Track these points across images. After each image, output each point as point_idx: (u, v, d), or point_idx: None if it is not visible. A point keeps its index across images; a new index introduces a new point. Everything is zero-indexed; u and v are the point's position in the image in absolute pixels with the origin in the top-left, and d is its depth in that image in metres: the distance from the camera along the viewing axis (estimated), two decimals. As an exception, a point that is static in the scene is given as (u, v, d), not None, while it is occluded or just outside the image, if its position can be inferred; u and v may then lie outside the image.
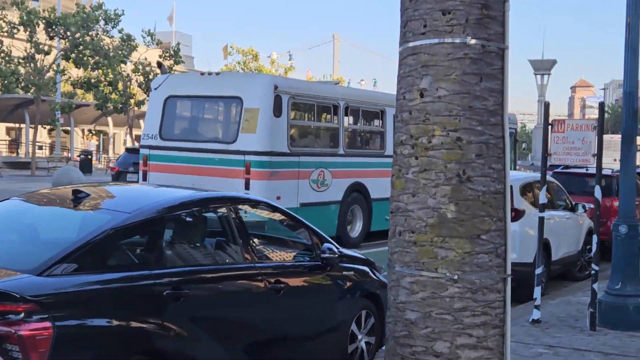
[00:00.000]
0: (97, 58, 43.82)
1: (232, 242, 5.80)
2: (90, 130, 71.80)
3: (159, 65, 17.87)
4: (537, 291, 8.86)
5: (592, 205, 16.05)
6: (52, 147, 59.42)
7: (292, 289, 6.09)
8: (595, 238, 8.69)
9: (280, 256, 6.59)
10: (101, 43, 44.54)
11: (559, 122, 8.81)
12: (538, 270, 8.98)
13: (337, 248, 6.66)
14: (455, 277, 4.76)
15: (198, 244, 5.73)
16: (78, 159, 48.42)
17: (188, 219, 5.74)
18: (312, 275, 6.42)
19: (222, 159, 13.29)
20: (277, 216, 6.61)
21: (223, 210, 5.87)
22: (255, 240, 6.23)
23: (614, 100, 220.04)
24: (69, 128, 58.78)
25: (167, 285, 5.04)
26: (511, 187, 11.33)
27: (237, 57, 64.33)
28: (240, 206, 6.11)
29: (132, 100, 49.75)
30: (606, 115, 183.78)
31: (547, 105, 8.86)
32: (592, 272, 8.69)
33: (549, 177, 13.18)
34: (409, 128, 4.97)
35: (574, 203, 13.03)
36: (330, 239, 6.77)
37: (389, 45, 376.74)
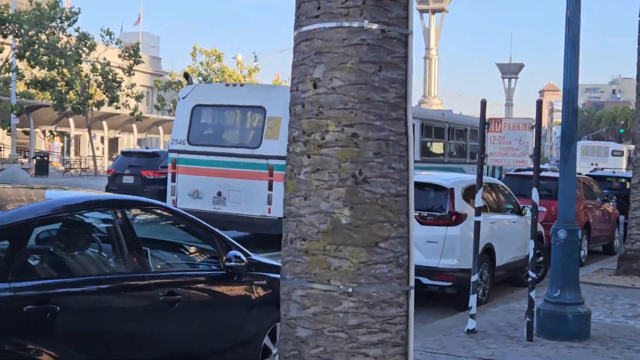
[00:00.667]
0: (52, 57, 42.80)
1: (118, 249, 5.24)
2: (51, 132, 70.50)
3: (186, 76, 18.89)
4: (473, 299, 8.40)
5: (543, 209, 15.77)
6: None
7: (190, 301, 5.55)
8: (532, 244, 8.26)
9: (179, 265, 6.05)
10: (57, 42, 43.55)
11: (496, 121, 8.36)
12: (474, 277, 8.53)
13: (248, 255, 6.13)
14: (350, 289, 4.25)
15: (75, 252, 5.17)
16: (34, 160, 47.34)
17: (62, 224, 5.17)
18: (215, 285, 5.88)
19: (247, 163, 14.36)
20: (178, 221, 6.05)
21: (108, 214, 5.31)
22: (148, 247, 5.67)
23: (581, 104, 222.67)
24: (28, 129, 57.54)
25: (29, 300, 4.47)
26: (453, 189, 10.98)
27: (201, 58, 63.52)
28: (130, 210, 5.55)
29: (90, 101, 48.75)
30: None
31: (483, 104, 8.40)
32: (529, 279, 8.25)
33: (495, 180, 12.79)
34: (301, 123, 4.45)
35: (521, 206, 12.62)
36: (240, 246, 6.24)
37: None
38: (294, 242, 4.44)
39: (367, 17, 4.31)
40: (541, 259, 13.20)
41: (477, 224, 8.55)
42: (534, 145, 8.11)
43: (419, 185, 10.88)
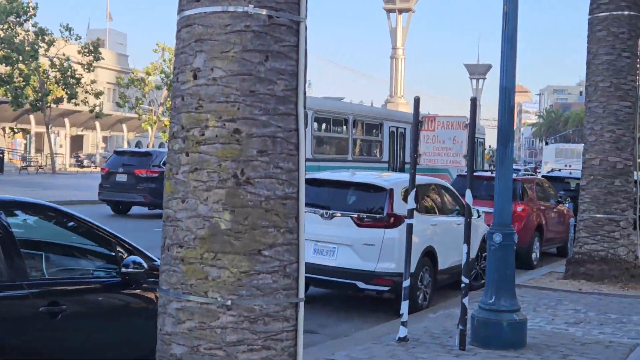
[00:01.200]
0: (8, 52, 41.84)
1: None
2: (11, 129, 69.14)
3: None
4: (404, 306, 8.03)
5: (491, 210, 15.49)
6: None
7: (77, 312, 5.10)
8: (465, 248, 7.91)
9: (68, 272, 5.58)
10: (15, 37, 42.60)
11: (429, 119, 8.00)
12: (405, 283, 8.16)
13: (153, 261, 5.68)
14: (229, 302, 3.85)
15: None
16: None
17: None
18: (108, 293, 5.43)
19: None
20: (72, 223, 5.59)
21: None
22: (30, 253, 5.21)
23: (548, 105, 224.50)
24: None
25: None
26: (392, 190, 10.64)
27: (167, 55, 62.52)
28: (9, 211, 5.08)
29: (48, 98, 47.81)
30: (540, 120, 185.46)
31: (417, 101, 8.04)
32: (462, 285, 7.90)
33: (440, 181, 12.46)
34: (180, 117, 4.04)
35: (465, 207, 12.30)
36: (144, 251, 5.79)
37: (329, 48, 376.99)
38: (170, 249, 4.03)
39: (253, 1, 3.91)
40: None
41: (410, 227, 8.19)
42: (467, 145, 7.76)
43: (356, 186, 10.53)
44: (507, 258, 7.96)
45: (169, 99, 32.26)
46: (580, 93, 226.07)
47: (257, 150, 3.91)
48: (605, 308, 10.22)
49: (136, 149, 27.88)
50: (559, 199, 17.58)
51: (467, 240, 7.86)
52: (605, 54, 12.11)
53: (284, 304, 3.96)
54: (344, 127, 20.25)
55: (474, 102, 7.70)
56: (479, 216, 12.33)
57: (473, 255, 12.49)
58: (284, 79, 3.99)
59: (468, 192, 7.82)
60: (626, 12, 11.99)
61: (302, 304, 4.05)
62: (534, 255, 15.69)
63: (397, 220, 9.89)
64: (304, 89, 4.12)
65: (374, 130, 22.06)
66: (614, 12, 12.01)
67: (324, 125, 18.60)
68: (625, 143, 12.16)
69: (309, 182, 10.76)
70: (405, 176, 11.45)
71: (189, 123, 3.97)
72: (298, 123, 4.06)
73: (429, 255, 10.53)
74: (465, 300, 7.79)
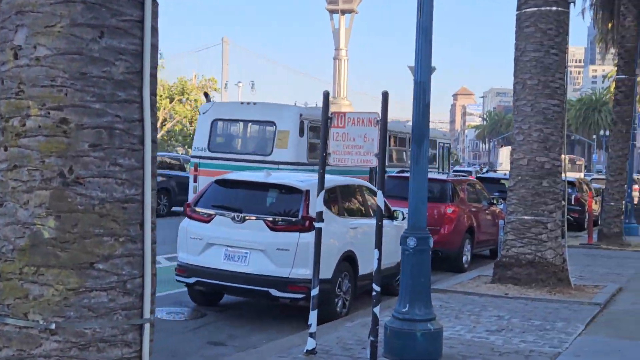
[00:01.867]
0: None
1: None
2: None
3: (206, 95, 22.34)
4: (313, 316, 7.45)
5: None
6: None
7: None
8: (376, 253, 7.36)
9: None
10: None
11: (339, 116, 7.44)
12: (314, 291, 7.59)
13: None
14: (53, 325, 3.22)
15: None
16: None
17: None
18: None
19: (260, 167, 15.56)
20: None
21: None
22: None
23: (492, 108, 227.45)
24: None
25: None
26: (308, 192, 10.09)
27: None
28: None
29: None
30: (483, 122, 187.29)
31: (326, 96, 7.50)
32: (374, 293, 7.36)
33: (362, 182, 11.95)
34: (-1, 105, 3.39)
35: (393, 210, 11.82)
36: None
37: (278, 49, 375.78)
38: (-11, 261, 3.38)
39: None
40: (415, 266, 12.44)
41: (318, 231, 7.62)
42: (379, 143, 7.21)
43: (271, 187, 9.93)
44: (422, 264, 7.46)
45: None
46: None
47: (89, 144, 3.29)
48: (529, 314, 9.82)
49: None
50: (492, 201, 17.25)
51: (378, 244, 7.32)
52: (533, 50, 11.75)
53: (123, 326, 3.35)
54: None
55: (385, 97, 7.17)
56: (403, 218, 11.84)
57: (398, 259, 12.00)
58: (125, 59, 3.38)
59: (379, 194, 7.29)
60: (554, 8, 11.65)
61: (147, 326, 3.44)
62: (464, 258, 15.32)
63: (313, 224, 9.31)
64: (152, 72, 3.51)
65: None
66: (542, 8, 11.65)
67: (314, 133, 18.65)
68: (554, 142, 11.82)
69: (220, 183, 10.13)
70: (328, 177, 10.90)
71: (8, 111, 3.34)
72: (143, 112, 3.45)
73: (349, 259, 10.00)
74: (377, 310, 7.26)
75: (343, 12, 69.32)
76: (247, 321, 9.66)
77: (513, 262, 11.80)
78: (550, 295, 11.13)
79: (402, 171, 18.08)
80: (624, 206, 24.63)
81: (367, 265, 10.52)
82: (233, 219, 9.43)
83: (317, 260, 7.58)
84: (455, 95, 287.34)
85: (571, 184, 27.94)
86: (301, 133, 17.96)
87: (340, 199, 10.25)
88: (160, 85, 59.07)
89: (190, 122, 58.21)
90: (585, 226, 20.58)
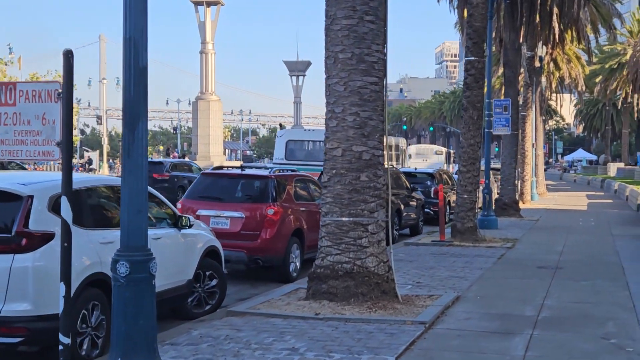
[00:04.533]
0: None
1: None
2: None
3: (281, 125, 33.19)
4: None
5: (239, 214, 12.88)
6: None
7: None
8: (62, 289, 5.07)
9: None
10: None
11: (7, 88, 5.09)
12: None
13: None
14: None
15: None
16: None
17: None
18: None
19: (320, 169, 18.46)
20: None
21: None
22: None
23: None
24: None
25: None
26: (31, 199, 7.67)
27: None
28: None
29: None
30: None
31: (66, 55, 5.18)
32: (60, 348, 5.06)
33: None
34: None
35: (179, 216, 9.53)
36: None
37: (152, 43, 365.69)
38: None
39: None
40: (215, 282, 10.23)
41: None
42: (62, 126, 4.91)
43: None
44: (140, 299, 5.22)
45: None
46: (401, 90, 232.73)
47: None
48: (333, 343, 7.77)
49: (150, 159, 35.54)
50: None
51: (65, 277, 5.00)
52: (345, 17, 9.74)
53: None
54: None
55: (67, 56, 4.85)
56: (190, 225, 9.57)
57: (190, 276, 9.75)
58: None
59: (64, 200, 4.98)
60: (369, -33, 9.66)
61: None
62: (292, 265, 13.24)
63: (35, 241, 6.91)
64: None
65: None
66: (355, -33, 9.64)
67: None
68: (373, 128, 9.85)
69: None
70: (59, 178, 8.42)
71: None
72: None
73: (101, 285, 7.62)
74: None
75: (208, 4, 66.37)
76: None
77: (329, 274, 9.75)
78: (369, 313, 9.15)
79: (220, 167, 15.85)
80: (482, 198, 23.37)
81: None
82: None
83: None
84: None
85: (431, 176, 26.59)
86: None
87: (87, 205, 7.86)
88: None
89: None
90: (452, 220, 18.88)
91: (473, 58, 18.14)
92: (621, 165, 68.93)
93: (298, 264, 13.35)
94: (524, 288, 11.46)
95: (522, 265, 14.07)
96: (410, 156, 55.80)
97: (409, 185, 21.95)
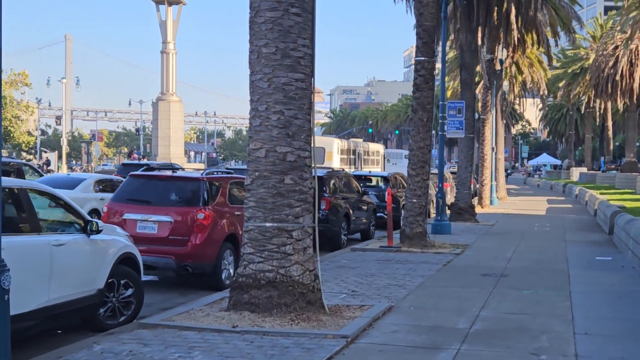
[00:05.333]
0: None
1: None
2: None
3: None
4: None
5: (168, 218, 12.24)
6: None
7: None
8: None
9: None
10: None
11: None
12: None
13: None
14: None
15: None
16: None
17: None
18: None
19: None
20: None
21: None
22: None
23: (339, 106, 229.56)
24: None
25: None
26: None
27: None
28: None
29: None
30: (328, 120, 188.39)
31: None
32: None
33: (39, 186, 8.95)
34: None
35: (87, 221, 8.89)
36: None
37: (127, 47, 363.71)
38: None
39: None
40: (130, 291, 9.60)
41: None
42: None
43: None
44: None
45: None
46: (368, 93, 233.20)
47: None
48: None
49: (138, 162, 38.59)
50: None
51: None
52: (269, 9, 9.18)
53: None
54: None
55: None
56: (99, 230, 8.92)
57: (101, 285, 9.11)
58: None
59: None
60: (296, -43, 9.11)
61: None
62: (225, 273, 12.64)
63: None
64: None
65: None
66: (281, -44, 9.09)
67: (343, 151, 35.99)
68: (298, 128, 9.29)
69: None
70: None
71: None
72: None
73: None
74: None
75: (170, 3, 65.41)
76: None
77: (251, 283, 9.16)
78: (290, 326, 8.58)
79: (149, 167, 15.20)
80: (435, 202, 22.96)
81: (31, 299, 7.61)
82: None
83: None
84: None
85: (385, 179, 26.16)
86: (337, 153, 41.46)
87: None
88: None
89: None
90: (401, 225, 18.35)
91: (423, 58, 17.67)
92: (584, 170, 69.30)
93: (232, 271, 12.75)
94: (462, 297, 10.97)
95: (467, 273, 13.60)
96: (388, 160, 57.99)
97: (360, 189, 21.47)
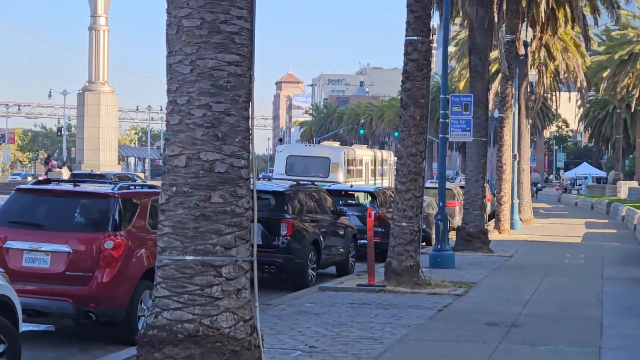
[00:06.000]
0: None
1: None
2: None
3: (280, 139, 72.85)
4: None
5: (65, 248, 11.83)
6: None
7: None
8: None
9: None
10: None
11: None
12: None
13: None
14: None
15: None
16: None
17: None
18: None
19: (322, 185, 26.71)
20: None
21: None
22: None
23: (323, 99, 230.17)
24: None
25: None
26: None
27: None
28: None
29: None
30: (310, 117, 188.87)
31: None
32: None
33: None
34: None
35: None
36: None
37: (41, 21, 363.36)
38: None
39: None
40: (2, 348, 9.17)
41: None
42: None
43: None
44: None
45: None
46: (361, 83, 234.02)
47: None
48: None
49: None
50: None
51: None
52: (192, -31, 8.79)
53: None
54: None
55: None
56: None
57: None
58: None
59: None
60: None
61: None
62: (142, 321, 12.14)
63: None
64: None
65: None
66: None
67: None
68: (231, 128, 8.89)
69: None
70: None
71: None
72: None
73: None
74: None
75: (101, -32, 65.35)
76: None
77: (164, 337, 8.73)
78: (214, 397, 8.16)
79: (47, 180, 14.78)
80: (435, 227, 22.67)
81: None
82: None
83: None
84: (279, 84, 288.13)
85: (371, 195, 25.88)
86: (344, 164, 44.99)
87: None
88: None
89: None
90: (389, 254, 17.93)
91: (415, 37, 17.32)
92: (634, 184, 69.43)
93: (152, 318, 12.31)
94: (456, 356, 10.67)
95: (467, 321, 13.34)
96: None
97: (336, 209, 21.16)
